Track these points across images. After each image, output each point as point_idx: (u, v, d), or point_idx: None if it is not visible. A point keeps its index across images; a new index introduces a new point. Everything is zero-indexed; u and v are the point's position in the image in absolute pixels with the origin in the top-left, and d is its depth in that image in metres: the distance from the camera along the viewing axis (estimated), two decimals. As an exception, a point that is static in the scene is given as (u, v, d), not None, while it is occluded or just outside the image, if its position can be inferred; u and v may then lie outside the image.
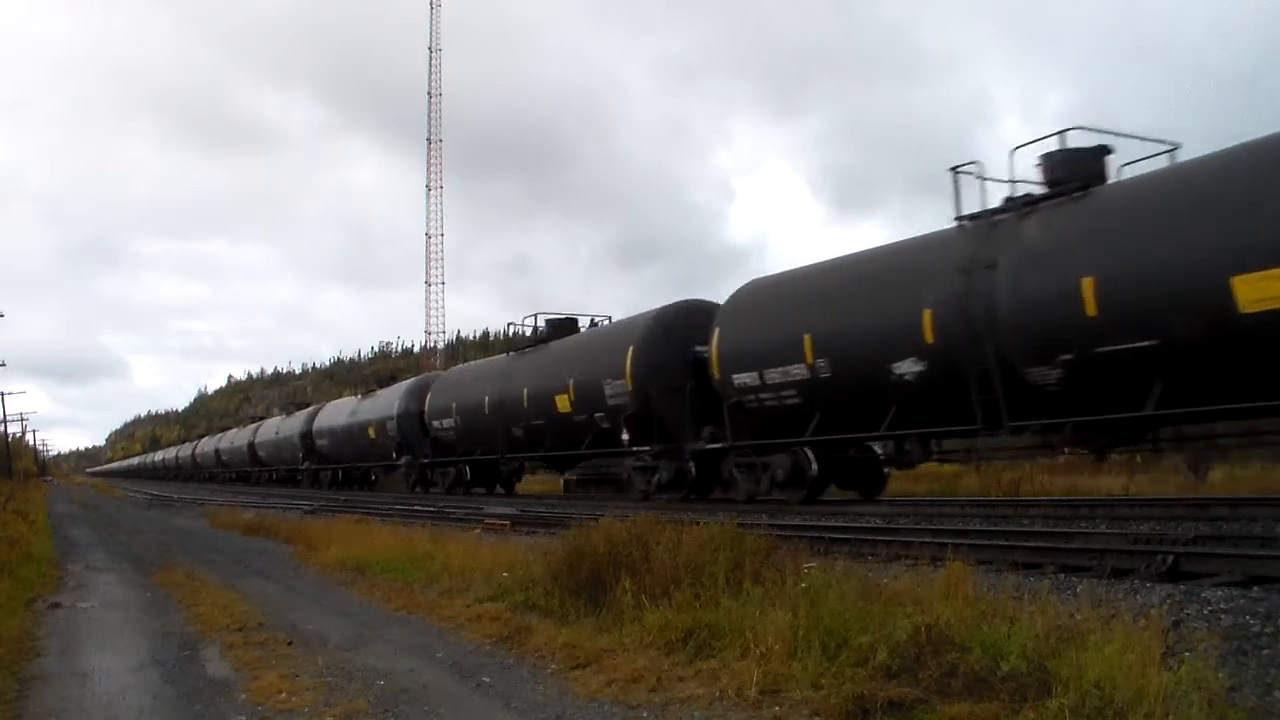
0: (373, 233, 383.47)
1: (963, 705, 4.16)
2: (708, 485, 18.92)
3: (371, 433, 34.57)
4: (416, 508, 21.51)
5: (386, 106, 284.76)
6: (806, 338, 15.22)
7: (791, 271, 17.59)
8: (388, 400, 34.12)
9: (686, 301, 20.51)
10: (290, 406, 54.73)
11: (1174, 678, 3.99)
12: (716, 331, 17.42)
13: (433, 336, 78.03)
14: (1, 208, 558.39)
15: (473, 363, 32.92)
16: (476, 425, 26.57)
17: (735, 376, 16.72)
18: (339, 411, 40.21)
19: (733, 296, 18.08)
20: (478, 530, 14.15)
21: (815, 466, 15.65)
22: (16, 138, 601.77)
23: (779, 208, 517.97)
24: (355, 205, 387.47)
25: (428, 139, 77.10)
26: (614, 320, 23.81)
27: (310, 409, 46.47)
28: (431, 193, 76.89)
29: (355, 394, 42.20)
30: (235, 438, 61.22)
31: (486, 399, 25.80)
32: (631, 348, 19.71)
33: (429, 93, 77.16)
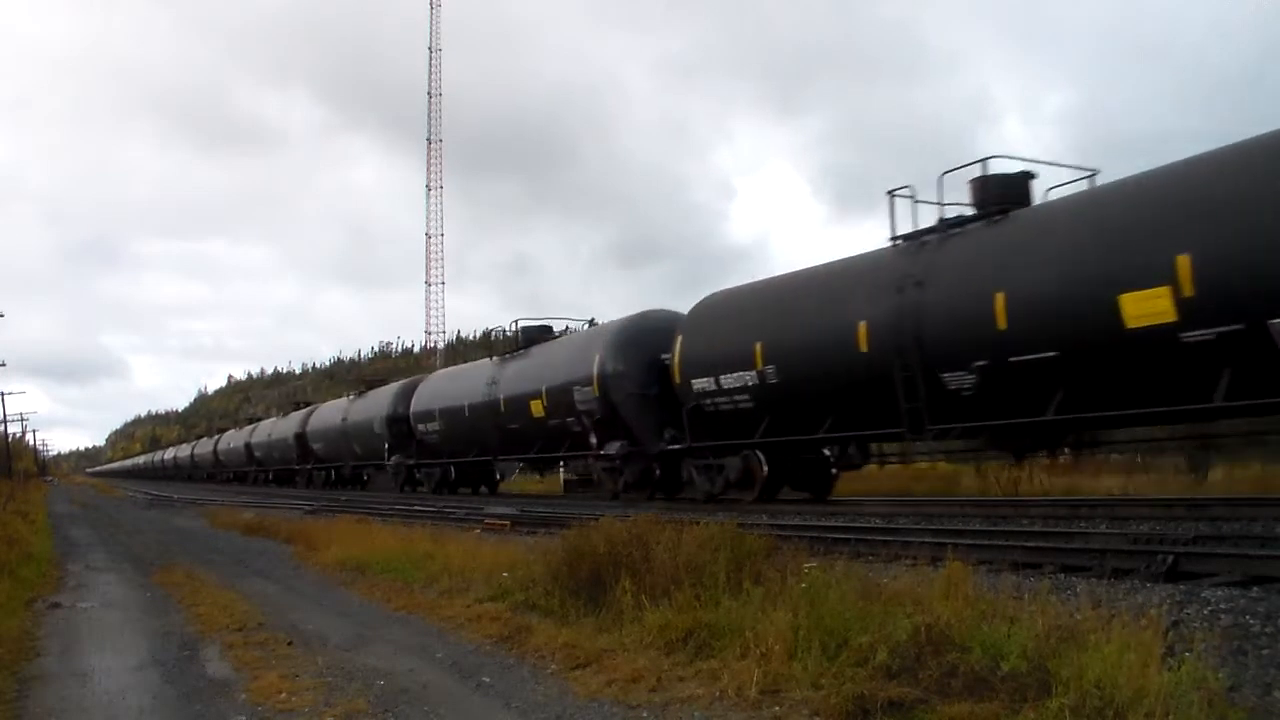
0: (373, 233, 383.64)
1: (963, 705, 4.16)
2: None
3: (537, 409, 22.83)
4: (416, 508, 21.51)
5: (386, 106, 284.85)
6: None
7: None
8: (571, 355, 22.07)
9: None
10: (360, 385, 42.39)
11: (1174, 678, 3.99)
12: None
13: (433, 336, 78.29)
14: (1, 208, 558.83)
15: (780, 276, 17.78)
16: (822, 378, 15.03)
17: None
18: (463, 383, 28.15)
19: None
20: (478, 530, 14.16)
21: None
22: (16, 138, 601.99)
23: (780, 207, 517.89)
24: (355, 205, 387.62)
25: (428, 139, 77.30)
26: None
27: (400, 385, 34.77)
28: (431, 193, 77.17)
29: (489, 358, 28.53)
30: (274, 429, 50.13)
31: (864, 327, 14.18)
32: None
33: (429, 93, 77.45)
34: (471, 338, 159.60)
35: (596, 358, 20.54)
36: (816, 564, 6.80)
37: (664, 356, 18.92)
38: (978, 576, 6.39)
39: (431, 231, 77.36)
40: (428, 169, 77.90)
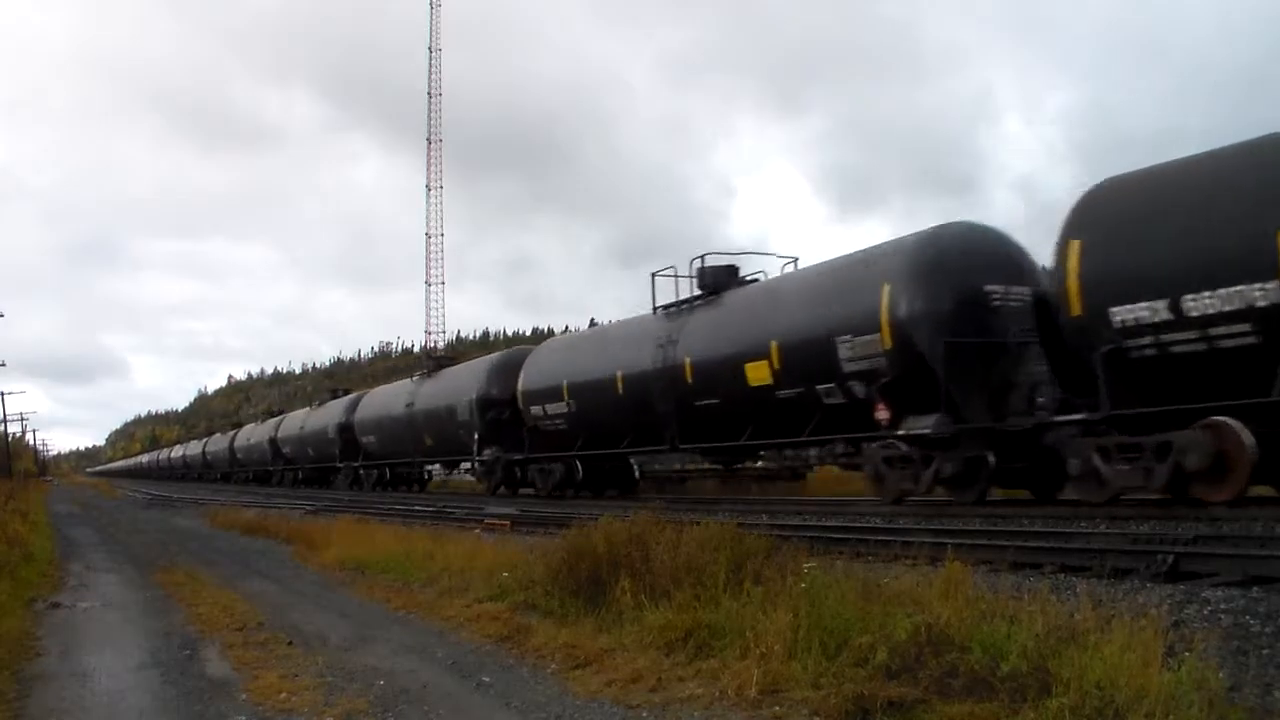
0: (373, 232, 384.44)
1: (963, 705, 4.16)
2: None
3: (757, 374, 16.11)
4: (416, 508, 21.50)
5: (387, 106, 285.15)
6: None
7: None
8: (824, 294, 15.24)
9: None
10: (429, 363, 33.48)
11: (1174, 678, 3.99)
12: None
13: (433, 336, 78.12)
14: (1, 207, 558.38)
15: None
16: None
17: None
18: (608, 348, 21.11)
19: None
20: (477, 530, 14.16)
21: None
22: (17, 137, 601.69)
23: (780, 206, 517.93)
24: (356, 204, 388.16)
25: (428, 139, 77.06)
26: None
27: (496, 358, 27.28)
28: (431, 193, 76.88)
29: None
30: (307, 421, 41.63)
31: None
32: None
33: (429, 92, 77.03)
34: (471, 338, 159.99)
35: (885, 291, 13.84)
36: (816, 564, 6.80)
37: (990, 288, 13.40)
38: (978, 576, 6.40)
39: (431, 231, 77.17)
40: (428, 169, 77.65)
